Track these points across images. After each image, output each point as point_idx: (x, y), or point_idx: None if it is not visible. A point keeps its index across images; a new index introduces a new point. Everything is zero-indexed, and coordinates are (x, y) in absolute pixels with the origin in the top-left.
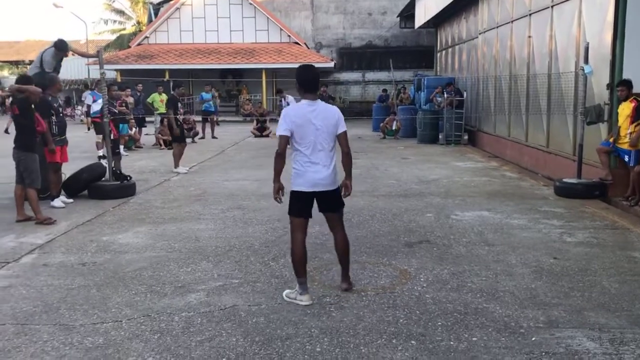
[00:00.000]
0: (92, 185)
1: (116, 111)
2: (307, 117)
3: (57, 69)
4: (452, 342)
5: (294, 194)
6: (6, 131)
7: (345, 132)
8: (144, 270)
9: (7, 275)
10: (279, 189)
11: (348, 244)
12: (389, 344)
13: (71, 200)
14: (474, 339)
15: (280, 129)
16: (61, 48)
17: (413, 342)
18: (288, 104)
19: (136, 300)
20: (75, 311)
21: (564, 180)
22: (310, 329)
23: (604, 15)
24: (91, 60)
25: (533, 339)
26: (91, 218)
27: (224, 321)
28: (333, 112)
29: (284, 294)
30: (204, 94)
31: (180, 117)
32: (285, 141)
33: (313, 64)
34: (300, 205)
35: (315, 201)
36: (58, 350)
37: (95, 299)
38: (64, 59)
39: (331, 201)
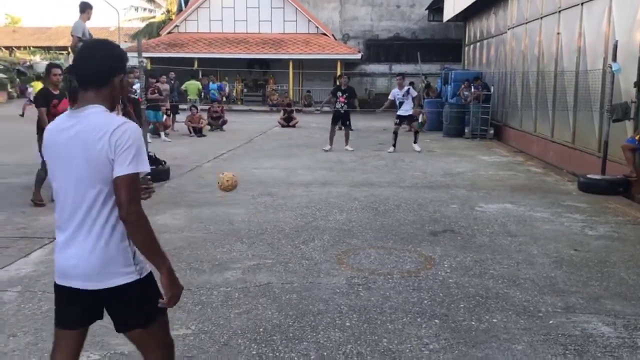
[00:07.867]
0: None
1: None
2: (56, 142)
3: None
4: (473, 322)
5: (54, 286)
6: (22, 115)
7: (126, 177)
8: (183, 250)
9: None
10: None
11: None
12: (414, 322)
13: None
14: (494, 320)
15: None
16: (80, 9)
17: (436, 321)
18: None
19: (177, 276)
20: None
21: (588, 176)
22: (340, 305)
23: (634, 13)
24: (125, 46)
25: (550, 322)
26: None
27: (260, 296)
28: (107, 130)
29: None
30: (210, 83)
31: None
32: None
33: (109, 40)
34: (59, 305)
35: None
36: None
37: None
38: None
39: (116, 309)
